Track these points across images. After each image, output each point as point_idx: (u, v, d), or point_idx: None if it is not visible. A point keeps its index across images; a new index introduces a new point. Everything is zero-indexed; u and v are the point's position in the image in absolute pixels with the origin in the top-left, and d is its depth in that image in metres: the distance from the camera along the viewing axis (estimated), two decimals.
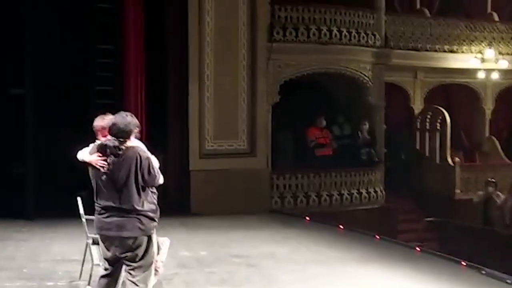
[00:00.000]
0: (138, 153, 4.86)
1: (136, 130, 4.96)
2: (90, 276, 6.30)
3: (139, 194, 4.82)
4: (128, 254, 4.85)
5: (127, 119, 4.91)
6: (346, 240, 9.95)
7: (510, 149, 17.65)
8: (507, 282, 7.13)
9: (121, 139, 4.84)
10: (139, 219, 4.81)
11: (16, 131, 11.74)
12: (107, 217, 4.85)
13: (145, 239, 4.87)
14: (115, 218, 4.81)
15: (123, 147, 4.84)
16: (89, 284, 6.28)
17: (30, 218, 10.97)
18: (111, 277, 5.01)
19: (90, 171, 4.97)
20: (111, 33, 12.53)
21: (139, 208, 4.81)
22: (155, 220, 4.91)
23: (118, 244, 4.84)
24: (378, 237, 10.14)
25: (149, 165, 4.86)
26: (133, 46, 12.52)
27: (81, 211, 6.59)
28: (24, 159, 11.60)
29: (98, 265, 5.81)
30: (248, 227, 10.74)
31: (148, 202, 4.88)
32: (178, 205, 12.10)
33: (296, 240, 9.63)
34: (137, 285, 4.84)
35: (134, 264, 4.86)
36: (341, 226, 10.93)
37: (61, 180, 11.86)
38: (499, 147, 17.67)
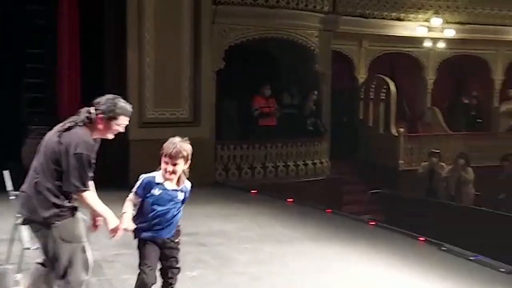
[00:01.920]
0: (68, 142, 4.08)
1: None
2: (21, 261, 5.55)
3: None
4: None
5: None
6: (296, 215, 9.48)
7: (451, 120, 17.65)
8: (469, 259, 6.83)
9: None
10: None
11: None
12: None
13: None
14: None
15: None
16: (19, 271, 5.51)
17: None
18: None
19: None
20: None
21: None
22: None
23: None
24: (329, 211, 9.76)
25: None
26: (66, 9, 11.62)
27: (9, 186, 5.83)
28: None
29: (29, 248, 5.14)
30: (192, 201, 9.96)
31: None
32: (116, 178, 11.32)
33: (245, 215, 9.09)
34: None
35: None
36: (290, 200, 10.48)
37: None
38: (440, 117, 17.64)
